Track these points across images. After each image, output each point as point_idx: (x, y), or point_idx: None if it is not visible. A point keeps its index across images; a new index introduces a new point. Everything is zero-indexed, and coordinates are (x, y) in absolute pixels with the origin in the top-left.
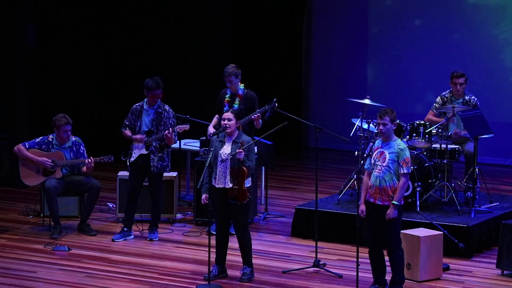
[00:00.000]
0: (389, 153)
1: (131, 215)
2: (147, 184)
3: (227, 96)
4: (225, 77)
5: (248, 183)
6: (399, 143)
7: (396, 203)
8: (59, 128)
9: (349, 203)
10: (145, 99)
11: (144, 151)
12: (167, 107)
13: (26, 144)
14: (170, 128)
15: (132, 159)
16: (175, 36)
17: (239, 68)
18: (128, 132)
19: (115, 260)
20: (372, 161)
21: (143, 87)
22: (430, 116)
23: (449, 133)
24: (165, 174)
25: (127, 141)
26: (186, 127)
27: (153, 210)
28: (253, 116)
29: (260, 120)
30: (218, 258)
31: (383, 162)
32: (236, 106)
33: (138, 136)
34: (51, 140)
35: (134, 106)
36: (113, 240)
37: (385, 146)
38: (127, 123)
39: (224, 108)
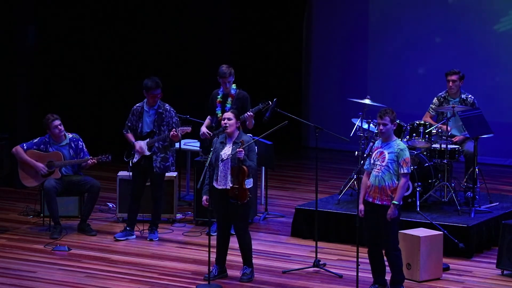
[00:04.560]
0: (388, 153)
1: (134, 215)
2: (149, 183)
3: (219, 96)
4: (223, 78)
5: (249, 184)
6: (399, 143)
7: (396, 203)
8: (49, 126)
9: (349, 203)
10: (145, 100)
11: (146, 152)
12: (167, 106)
13: (24, 145)
14: (175, 128)
15: (135, 160)
16: (175, 36)
17: (231, 67)
18: (131, 136)
19: (115, 260)
20: (372, 161)
21: (142, 87)
22: (427, 118)
23: (449, 133)
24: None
25: (129, 142)
26: (188, 129)
27: (154, 210)
28: (246, 115)
29: (253, 120)
30: (218, 258)
31: (383, 162)
32: (228, 106)
33: (137, 146)
34: (48, 139)
35: (134, 107)
36: (115, 238)
37: (385, 146)
38: (129, 124)
39: (216, 109)
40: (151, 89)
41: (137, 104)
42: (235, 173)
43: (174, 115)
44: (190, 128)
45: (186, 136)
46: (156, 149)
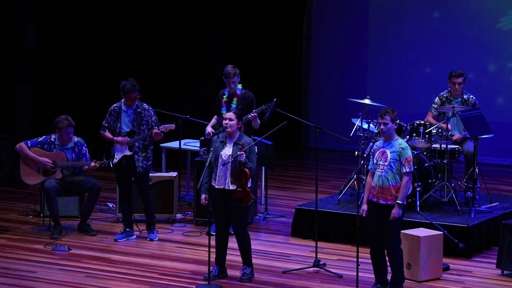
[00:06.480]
0: (390, 152)
1: (128, 215)
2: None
3: (224, 96)
4: (228, 78)
5: (248, 184)
6: (401, 142)
7: (400, 202)
8: (61, 130)
9: (349, 203)
10: (122, 100)
11: (127, 152)
12: (146, 105)
13: (28, 142)
14: (156, 127)
15: (115, 160)
16: (175, 36)
17: (237, 67)
18: (108, 134)
19: (115, 260)
20: (375, 161)
21: (119, 89)
22: (429, 117)
23: (449, 133)
24: (165, 174)
25: (107, 143)
26: (172, 126)
27: (146, 210)
28: (249, 116)
29: (258, 120)
30: (218, 258)
31: (385, 161)
32: (234, 106)
33: (119, 138)
34: (53, 140)
35: (112, 107)
36: (115, 240)
37: (387, 145)
38: (106, 124)
39: (222, 109)
40: (129, 92)
41: (115, 104)
42: (237, 176)
43: (153, 114)
44: (174, 125)
45: (186, 136)
46: (137, 149)
